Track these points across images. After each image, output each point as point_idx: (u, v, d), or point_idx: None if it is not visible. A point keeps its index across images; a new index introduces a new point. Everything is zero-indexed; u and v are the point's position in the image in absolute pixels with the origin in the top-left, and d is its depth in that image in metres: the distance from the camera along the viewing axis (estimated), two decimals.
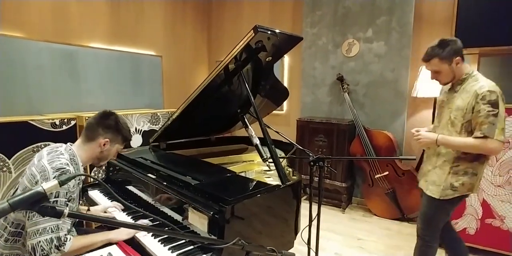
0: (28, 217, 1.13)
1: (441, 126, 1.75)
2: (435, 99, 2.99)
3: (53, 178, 1.15)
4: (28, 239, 1.12)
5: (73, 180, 1.22)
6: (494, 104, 1.52)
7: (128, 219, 1.54)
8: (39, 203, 0.55)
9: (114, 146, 1.42)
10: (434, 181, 1.74)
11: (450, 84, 1.76)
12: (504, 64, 2.71)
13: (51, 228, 1.13)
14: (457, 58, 1.62)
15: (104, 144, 1.37)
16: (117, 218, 1.55)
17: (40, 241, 1.10)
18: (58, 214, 0.56)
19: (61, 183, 0.60)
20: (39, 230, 1.11)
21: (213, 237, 1.13)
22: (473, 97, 1.57)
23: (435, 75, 1.70)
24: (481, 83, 1.59)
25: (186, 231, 1.27)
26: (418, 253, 1.91)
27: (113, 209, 1.64)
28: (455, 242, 1.98)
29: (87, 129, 1.38)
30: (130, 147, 2.89)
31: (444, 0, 3.00)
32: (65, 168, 1.19)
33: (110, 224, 0.67)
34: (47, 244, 1.11)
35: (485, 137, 1.53)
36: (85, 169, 1.42)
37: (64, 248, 1.14)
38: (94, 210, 1.63)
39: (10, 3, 2.60)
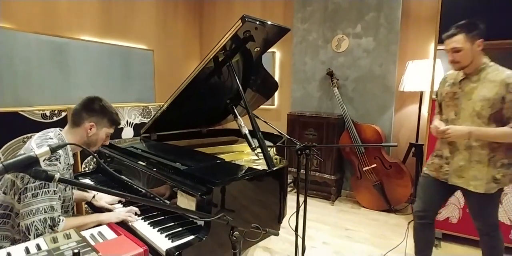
0: (19, 199, 1.15)
1: (462, 118, 1.69)
2: (421, 93, 3.07)
3: (43, 161, 1.16)
4: (21, 220, 1.13)
5: (63, 163, 1.25)
6: None
7: (119, 205, 1.57)
8: (31, 166, 0.58)
9: (102, 130, 1.42)
10: (475, 176, 1.68)
11: (460, 75, 1.73)
12: (493, 58, 2.78)
13: (45, 209, 1.15)
14: (480, 40, 1.59)
15: (90, 129, 1.37)
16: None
17: (34, 221, 1.12)
18: (50, 178, 0.60)
19: (52, 150, 0.63)
20: (32, 210, 1.12)
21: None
22: (503, 86, 1.54)
23: (454, 55, 1.63)
24: (506, 72, 1.57)
25: (177, 216, 1.30)
26: (488, 249, 1.84)
27: (120, 209, 1.56)
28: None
29: (73, 115, 1.39)
30: (121, 138, 2.91)
31: None
32: None
33: (99, 191, 0.70)
34: (41, 224, 1.13)
35: None
36: (75, 155, 1.43)
37: (57, 228, 1.17)
38: (99, 200, 1.60)
39: None
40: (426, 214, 1.92)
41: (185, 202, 1.26)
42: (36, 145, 1.23)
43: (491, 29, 2.51)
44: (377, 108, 3.39)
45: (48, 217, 1.15)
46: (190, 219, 1.20)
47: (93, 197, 1.62)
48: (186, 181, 1.30)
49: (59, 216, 1.20)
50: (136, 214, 1.39)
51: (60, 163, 1.23)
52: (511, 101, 1.53)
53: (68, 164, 1.34)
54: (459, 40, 1.59)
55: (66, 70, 3.08)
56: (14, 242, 1.24)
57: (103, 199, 1.61)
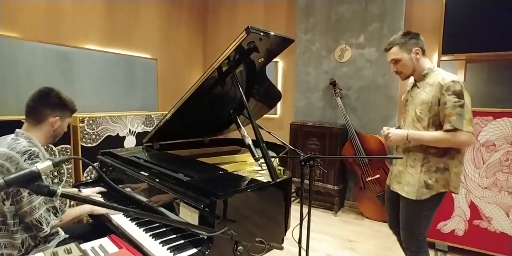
0: (15, 201, 1.22)
1: (406, 124, 1.71)
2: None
3: (24, 161, 1.22)
4: (29, 216, 1.24)
5: (43, 159, 1.30)
6: (459, 94, 1.48)
7: (122, 217, 1.54)
8: (33, 182, 0.58)
9: (65, 121, 1.47)
10: (409, 182, 1.66)
11: (411, 82, 1.75)
12: (491, 70, 2.78)
13: (44, 201, 1.28)
14: (416, 48, 1.62)
15: (55, 122, 1.41)
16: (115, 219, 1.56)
17: (41, 214, 1.25)
18: (52, 193, 0.59)
19: (55, 164, 0.62)
20: (36, 205, 1.24)
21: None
22: (438, 88, 1.54)
23: (395, 66, 1.68)
24: (443, 75, 1.57)
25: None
26: None
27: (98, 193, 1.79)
28: None
29: (31, 112, 1.37)
30: (123, 147, 2.91)
31: (433, 8, 3.09)
32: (30, 149, 1.26)
33: (100, 206, 0.69)
34: (48, 214, 1.28)
35: (455, 129, 1.48)
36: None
37: (61, 214, 1.32)
38: (84, 192, 1.78)
39: (5, 3, 2.62)
40: (394, 225, 1.87)
41: (188, 214, 1.24)
42: (8, 149, 1.24)
43: (494, 40, 2.53)
44: (380, 118, 3.37)
45: (50, 206, 1.29)
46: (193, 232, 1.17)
47: (79, 190, 1.82)
48: (189, 192, 1.28)
49: (59, 204, 1.34)
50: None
51: (40, 159, 1.28)
52: (444, 103, 1.51)
53: (45, 158, 1.36)
54: (394, 52, 1.66)
55: (70, 78, 3.10)
56: (13, 247, 1.27)
57: (87, 191, 1.81)
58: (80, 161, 2.66)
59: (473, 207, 2.44)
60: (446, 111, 1.51)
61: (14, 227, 1.26)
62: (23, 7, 2.75)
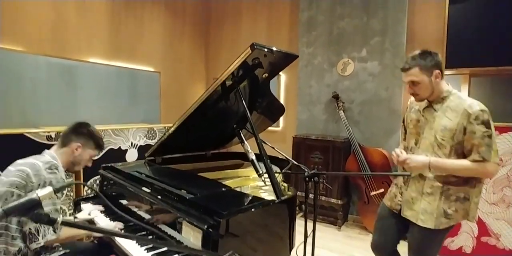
0: None
1: (423, 148, 1.60)
2: None
3: (44, 169, 1.34)
4: (29, 224, 1.27)
5: (62, 173, 1.41)
6: (487, 124, 1.43)
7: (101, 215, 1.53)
8: (33, 210, 0.55)
9: (86, 151, 1.57)
10: (425, 210, 1.56)
11: (424, 102, 1.64)
12: (494, 84, 2.78)
13: (51, 212, 1.31)
14: (437, 71, 1.52)
15: (76, 149, 1.53)
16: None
17: (40, 224, 1.29)
18: (52, 222, 0.57)
19: (56, 191, 0.60)
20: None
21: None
22: (464, 116, 1.46)
23: (413, 88, 1.56)
24: (468, 101, 1.49)
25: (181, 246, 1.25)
26: None
27: (96, 213, 1.77)
28: None
29: (62, 136, 1.55)
30: (125, 160, 2.89)
31: (435, 22, 3.12)
32: (52, 161, 1.39)
33: (104, 234, 0.67)
34: (46, 226, 1.30)
35: (484, 160, 1.43)
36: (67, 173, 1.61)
37: (59, 231, 1.35)
38: (80, 217, 1.75)
39: (10, 17, 2.66)
40: (381, 247, 1.83)
41: (191, 233, 1.21)
42: (33, 159, 1.39)
43: (497, 55, 2.54)
44: (383, 132, 3.35)
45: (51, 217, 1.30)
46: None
47: (75, 217, 1.77)
48: (192, 210, 1.25)
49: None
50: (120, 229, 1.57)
51: (58, 172, 1.40)
52: (473, 133, 1.43)
53: (63, 175, 1.47)
54: (414, 74, 1.53)
55: (74, 91, 3.11)
56: (9, 254, 1.29)
57: (83, 212, 1.80)
58: (81, 174, 2.63)
59: (480, 223, 2.38)
60: (475, 141, 1.44)
61: (15, 233, 1.28)
62: (29, 21, 2.79)
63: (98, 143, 1.61)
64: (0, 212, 0.51)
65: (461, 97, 1.53)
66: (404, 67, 1.57)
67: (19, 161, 1.42)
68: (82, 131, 1.56)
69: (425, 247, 1.63)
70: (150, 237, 1.46)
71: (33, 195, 0.57)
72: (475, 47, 2.59)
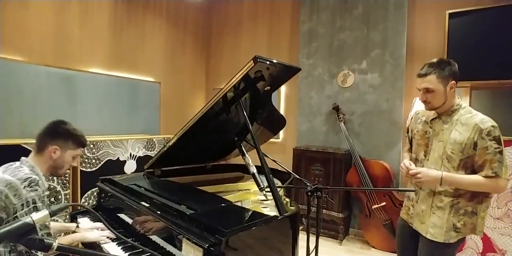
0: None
1: (432, 160, 1.59)
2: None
3: (23, 188, 1.22)
4: (18, 246, 1.19)
5: (42, 187, 1.29)
6: (499, 141, 1.43)
7: (119, 250, 1.46)
8: (27, 236, 0.52)
9: (66, 152, 1.43)
10: (435, 224, 1.56)
11: (432, 113, 1.64)
12: (495, 97, 2.78)
13: (40, 228, 1.22)
14: (453, 81, 1.51)
15: (54, 152, 1.39)
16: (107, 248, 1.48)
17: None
18: (47, 248, 0.53)
19: (52, 214, 0.57)
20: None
21: None
22: (476, 131, 1.45)
23: (427, 95, 1.54)
24: (479, 116, 1.49)
25: None
26: None
27: (95, 230, 1.65)
28: None
29: (36, 140, 1.41)
30: (124, 172, 2.84)
31: (435, 34, 3.14)
32: (31, 177, 1.26)
33: None
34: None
35: (496, 176, 1.43)
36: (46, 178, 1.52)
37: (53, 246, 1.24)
38: (83, 228, 1.67)
39: (12, 27, 2.66)
40: None
41: (191, 251, 1.16)
42: (10, 175, 1.25)
43: (498, 68, 2.54)
44: (384, 144, 3.33)
45: (45, 233, 1.24)
46: None
47: (77, 226, 1.68)
48: (192, 227, 1.21)
49: (48, 232, 1.27)
50: (109, 238, 1.54)
51: (39, 187, 1.28)
52: (485, 148, 1.43)
53: (45, 186, 1.37)
54: (431, 81, 1.51)
55: (74, 101, 3.09)
56: None
57: (86, 226, 1.72)
58: (79, 186, 2.58)
59: (485, 238, 2.34)
60: (487, 157, 1.44)
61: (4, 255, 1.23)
62: (31, 31, 2.79)
63: (78, 141, 1.47)
64: None
65: (472, 112, 1.53)
66: (421, 73, 1.55)
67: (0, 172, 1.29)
68: (57, 131, 1.41)
69: None
70: (147, 254, 1.41)
71: (27, 219, 0.54)
72: (476, 60, 2.59)
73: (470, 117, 1.50)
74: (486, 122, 1.45)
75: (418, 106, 2.98)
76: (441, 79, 1.50)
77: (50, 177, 2.40)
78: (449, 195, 1.53)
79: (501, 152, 1.43)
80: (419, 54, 3.30)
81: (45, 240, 0.54)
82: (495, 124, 1.46)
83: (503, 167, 1.43)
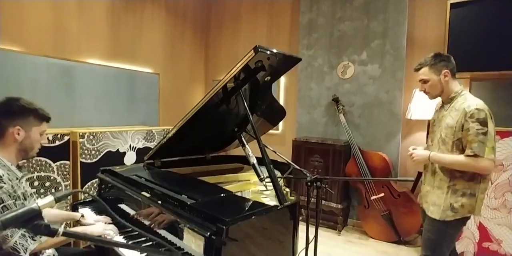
0: None
1: (433, 144, 1.77)
2: (429, 121, 3.03)
3: None
4: (4, 244, 1.13)
5: (9, 182, 1.19)
6: (483, 122, 1.54)
7: (119, 239, 1.48)
8: (32, 221, 0.52)
9: (31, 130, 1.29)
10: (434, 202, 1.71)
11: (441, 103, 1.81)
12: (495, 88, 2.77)
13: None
14: (445, 70, 1.67)
15: (18, 133, 1.25)
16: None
17: (15, 241, 1.14)
18: (52, 233, 0.54)
19: (57, 200, 0.57)
20: (8, 233, 1.13)
21: None
22: (462, 114, 1.59)
23: (424, 85, 1.75)
24: (469, 101, 1.61)
25: (182, 253, 1.22)
26: None
27: (100, 223, 1.60)
28: None
29: None
30: (123, 163, 2.85)
31: (435, 25, 3.12)
32: None
33: (104, 245, 0.64)
34: (23, 240, 1.16)
35: (475, 155, 1.54)
36: (19, 167, 1.34)
37: (40, 237, 1.20)
38: (87, 219, 1.63)
39: (9, 18, 2.62)
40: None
41: (192, 240, 1.18)
42: None
43: (498, 59, 2.53)
44: (384, 135, 3.34)
45: (25, 231, 1.18)
46: None
47: (82, 216, 1.63)
48: (193, 217, 1.22)
49: None
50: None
51: (5, 183, 1.16)
52: (467, 130, 1.57)
53: (17, 178, 1.28)
54: (424, 72, 1.72)
55: (72, 93, 3.07)
56: None
57: (90, 217, 1.66)
58: (79, 177, 2.59)
59: (482, 228, 2.37)
60: (469, 138, 1.56)
61: None
62: (29, 22, 2.75)
63: (39, 115, 1.32)
64: None
65: (466, 98, 1.65)
66: (415, 68, 1.77)
67: None
68: (12, 110, 1.25)
69: (433, 239, 1.72)
70: (149, 243, 1.42)
71: (33, 204, 0.54)
72: (476, 51, 2.58)
73: (462, 103, 1.63)
74: (471, 105, 1.58)
75: (418, 97, 2.98)
76: (433, 69, 1.69)
77: (48, 166, 2.40)
78: (446, 176, 1.67)
79: (484, 133, 1.53)
80: (419, 45, 3.28)
81: (50, 226, 0.54)
82: (481, 107, 1.56)
83: (486, 147, 1.53)
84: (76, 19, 3.11)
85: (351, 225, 3.51)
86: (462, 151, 1.61)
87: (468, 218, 1.69)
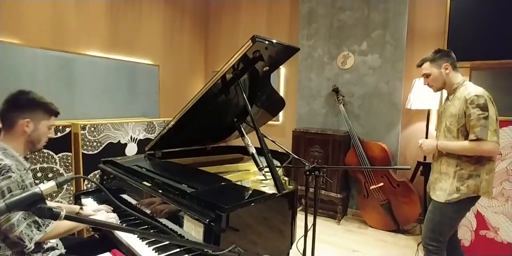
0: None
1: (440, 134, 1.86)
2: (428, 111, 3.04)
3: None
4: (10, 233, 1.15)
5: (17, 172, 1.22)
6: (483, 107, 1.61)
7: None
8: (36, 204, 0.54)
9: (40, 123, 1.33)
10: (441, 187, 1.78)
11: (447, 95, 1.87)
12: (495, 77, 2.77)
13: (23, 217, 1.18)
14: (445, 64, 1.76)
15: (27, 125, 1.28)
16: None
17: (21, 231, 1.16)
18: (55, 216, 0.56)
19: (59, 185, 0.59)
20: (14, 222, 1.15)
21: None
22: (463, 102, 1.67)
23: (426, 79, 1.85)
24: (469, 89, 1.70)
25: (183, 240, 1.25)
26: None
27: (102, 212, 1.63)
28: None
29: (2, 117, 1.29)
30: (125, 154, 2.88)
31: (436, 15, 3.09)
32: (1, 163, 1.17)
33: (105, 227, 0.66)
34: (29, 230, 1.18)
35: (478, 139, 1.60)
36: (26, 158, 1.40)
37: (45, 228, 1.23)
38: (86, 210, 1.66)
39: (8, 10, 2.61)
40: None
41: (192, 227, 1.20)
42: None
43: (498, 48, 2.52)
44: (383, 125, 3.35)
45: (31, 221, 1.20)
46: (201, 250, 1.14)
47: (80, 208, 1.65)
48: (193, 205, 1.25)
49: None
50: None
51: (13, 172, 1.19)
52: (469, 115, 1.64)
53: (25, 169, 1.30)
54: (426, 67, 1.82)
55: (72, 85, 3.08)
56: None
57: (91, 207, 1.69)
58: (81, 168, 2.62)
59: (479, 216, 2.40)
60: (471, 123, 1.63)
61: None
62: (28, 15, 2.75)
63: (49, 109, 1.37)
64: (3, 205, 0.50)
65: (467, 87, 1.73)
66: (418, 64, 1.88)
67: None
68: (22, 104, 1.29)
69: (437, 220, 1.79)
70: (152, 231, 1.45)
71: (35, 189, 0.56)
72: (476, 40, 2.57)
73: (464, 92, 1.71)
74: (471, 92, 1.65)
75: (417, 87, 2.98)
76: (434, 63, 1.79)
77: (53, 160, 2.43)
78: (453, 162, 1.74)
79: (485, 118, 1.60)
80: (420, 35, 3.26)
81: (53, 209, 0.56)
82: (480, 93, 1.63)
83: (488, 131, 1.59)
84: (75, 11, 3.10)
85: (351, 214, 3.55)
86: (467, 137, 1.68)
87: (473, 200, 1.74)
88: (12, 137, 1.29)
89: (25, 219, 1.18)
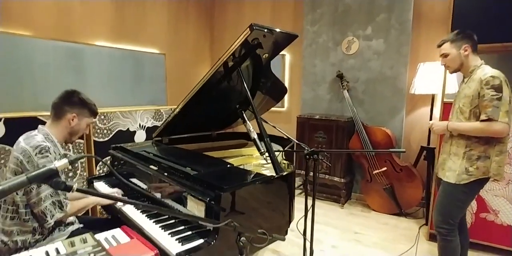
0: (27, 191, 1.33)
1: (453, 115, 1.87)
2: (433, 96, 3.04)
3: (35, 155, 1.33)
4: (35, 208, 1.33)
5: (53, 153, 1.40)
6: (498, 89, 1.61)
7: (134, 209, 1.61)
8: (52, 178, 0.64)
9: (83, 120, 1.55)
10: (450, 167, 1.80)
11: (463, 77, 1.88)
12: (500, 60, 2.74)
13: (50, 194, 1.36)
14: (466, 45, 1.75)
15: (72, 119, 1.50)
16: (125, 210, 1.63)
17: (46, 206, 1.34)
18: (68, 188, 0.66)
19: (71, 162, 0.68)
20: (42, 198, 1.33)
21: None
22: (478, 83, 1.66)
23: (444, 59, 1.84)
24: (485, 71, 1.69)
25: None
26: (439, 249, 1.91)
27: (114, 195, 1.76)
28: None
29: (54, 108, 1.50)
30: (134, 141, 2.99)
31: None
32: (41, 144, 1.35)
33: (112, 199, 0.75)
34: (52, 207, 1.36)
35: (489, 119, 1.61)
36: (62, 146, 1.61)
37: (66, 208, 1.41)
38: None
39: (16, 2, 2.69)
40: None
41: (195, 206, 1.29)
42: (25, 143, 1.37)
43: (502, 31, 2.48)
44: (387, 111, 3.37)
45: (56, 200, 1.38)
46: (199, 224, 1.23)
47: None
48: (196, 186, 1.34)
49: (64, 199, 1.42)
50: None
51: (50, 153, 1.37)
52: (483, 96, 1.64)
53: (59, 154, 1.48)
54: (445, 47, 1.81)
55: (81, 74, 3.18)
56: (25, 233, 1.39)
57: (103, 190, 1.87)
58: (92, 153, 2.74)
59: (479, 199, 2.44)
60: (483, 103, 1.64)
61: (26, 216, 1.37)
62: (35, 6, 2.82)
63: (92, 110, 1.59)
64: (24, 178, 0.60)
65: (484, 70, 1.72)
66: (438, 44, 1.86)
67: (19, 140, 1.42)
68: (74, 101, 1.51)
69: (447, 203, 1.82)
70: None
71: (51, 165, 0.67)
72: (481, 24, 2.53)
73: (479, 74, 1.71)
74: (487, 73, 1.65)
75: (422, 72, 2.97)
76: (454, 44, 1.78)
77: (66, 147, 2.55)
78: (463, 142, 1.76)
79: (499, 99, 1.60)
80: (425, 19, 3.22)
81: (66, 183, 0.66)
82: (496, 75, 1.63)
83: (500, 111, 1.60)
84: (81, 2, 3.16)
85: (355, 198, 3.63)
86: (479, 119, 1.69)
87: (483, 181, 1.76)
88: (58, 126, 1.50)
89: (51, 196, 1.35)
